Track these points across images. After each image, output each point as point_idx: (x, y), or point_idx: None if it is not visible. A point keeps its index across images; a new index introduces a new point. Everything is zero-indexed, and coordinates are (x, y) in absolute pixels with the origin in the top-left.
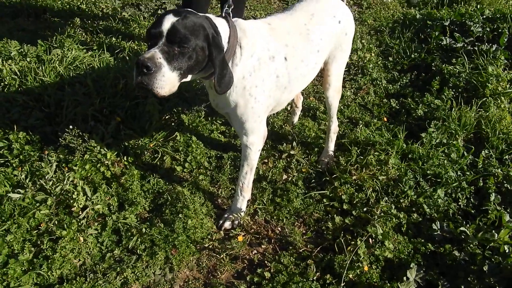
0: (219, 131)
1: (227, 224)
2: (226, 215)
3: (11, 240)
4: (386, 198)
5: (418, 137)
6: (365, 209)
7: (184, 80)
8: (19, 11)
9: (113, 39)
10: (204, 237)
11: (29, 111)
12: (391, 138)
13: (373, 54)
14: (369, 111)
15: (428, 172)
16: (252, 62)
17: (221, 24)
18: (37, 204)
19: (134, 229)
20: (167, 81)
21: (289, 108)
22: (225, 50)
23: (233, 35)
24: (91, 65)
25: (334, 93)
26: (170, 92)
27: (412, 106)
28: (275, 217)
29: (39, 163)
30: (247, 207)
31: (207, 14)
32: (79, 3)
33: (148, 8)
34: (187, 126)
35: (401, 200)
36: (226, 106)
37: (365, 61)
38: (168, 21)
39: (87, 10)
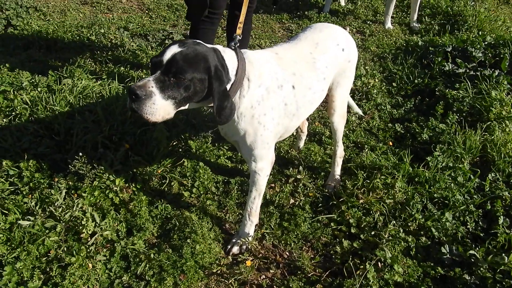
0: (226, 157)
1: (235, 249)
2: (234, 240)
3: (20, 267)
4: (394, 222)
5: (423, 161)
6: (373, 233)
7: (182, 108)
8: (31, 43)
9: (122, 68)
10: (212, 262)
11: (40, 140)
12: (397, 162)
13: (377, 80)
14: (374, 135)
15: (435, 195)
16: (260, 91)
17: (230, 57)
18: (47, 231)
19: (142, 255)
20: (159, 108)
21: (295, 133)
22: (232, 82)
23: (241, 68)
24: (101, 94)
25: (339, 119)
26: (163, 118)
27: (417, 130)
28: (283, 242)
29: (49, 190)
30: (254, 231)
31: (216, 46)
32: (88, 34)
33: (156, 39)
34: (195, 152)
35: (409, 224)
36: (234, 134)
37: (369, 86)
38: (171, 52)
39: (96, 41)
